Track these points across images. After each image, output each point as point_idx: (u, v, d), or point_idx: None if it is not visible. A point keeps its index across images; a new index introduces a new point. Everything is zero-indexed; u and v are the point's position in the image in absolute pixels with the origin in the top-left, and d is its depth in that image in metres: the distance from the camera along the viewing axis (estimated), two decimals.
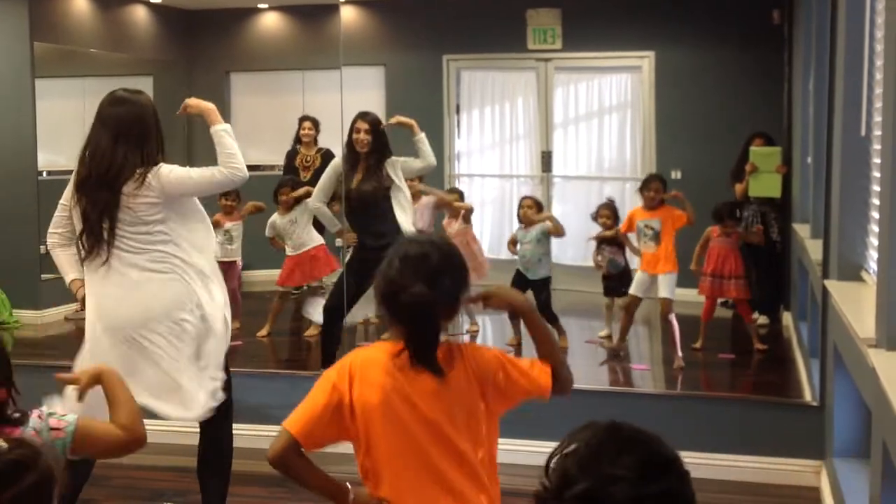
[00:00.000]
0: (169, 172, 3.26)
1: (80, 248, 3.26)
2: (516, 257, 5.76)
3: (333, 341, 5.20)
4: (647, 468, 1.20)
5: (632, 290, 5.42)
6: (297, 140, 6.60)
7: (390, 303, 2.04)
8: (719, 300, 5.60)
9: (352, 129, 5.07)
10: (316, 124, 6.55)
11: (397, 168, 5.01)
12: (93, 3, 6.44)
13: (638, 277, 5.43)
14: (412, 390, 2.03)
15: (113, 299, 3.24)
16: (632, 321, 5.49)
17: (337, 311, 5.14)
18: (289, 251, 6.12)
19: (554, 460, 1.24)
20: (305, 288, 6.28)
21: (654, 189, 5.37)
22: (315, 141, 6.58)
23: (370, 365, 2.07)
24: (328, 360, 5.18)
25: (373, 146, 5.01)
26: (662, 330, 5.42)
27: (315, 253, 6.05)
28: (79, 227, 3.26)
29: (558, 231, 5.65)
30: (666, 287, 5.32)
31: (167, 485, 4.23)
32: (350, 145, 5.09)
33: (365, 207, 5.02)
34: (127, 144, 3.22)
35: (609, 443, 1.22)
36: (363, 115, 5.11)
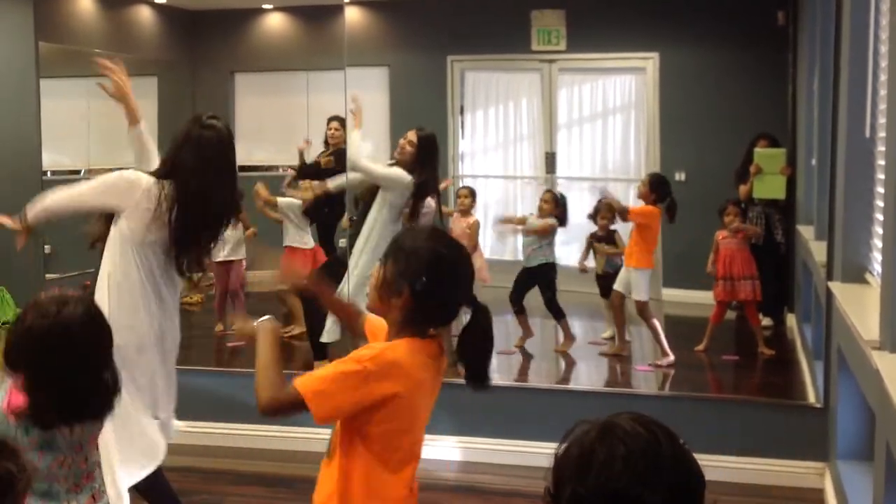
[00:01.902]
0: None
1: (173, 264, 3.25)
2: (520, 258, 5.77)
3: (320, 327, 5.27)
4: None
5: (615, 286, 5.48)
6: (326, 142, 6.48)
7: (447, 317, 2.07)
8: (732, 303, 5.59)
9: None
10: (344, 123, 6.21)
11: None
12: (97, 4, 6.44)
13: (620, 273, 5.52)
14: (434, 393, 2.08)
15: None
16: (624, 318, 5.51)
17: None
18: (287, 241, 6.11)
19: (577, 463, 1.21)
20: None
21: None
22: (345, 142, 6.39)
23: (412, 362, 1.99)
24: (317, 348, 5.21)
25: None
26: (665, 331, 5.41)
27: (312, 254, 6.06)
28: (162, 235, 3.19)
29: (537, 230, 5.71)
30: (635, 285, 5.35)
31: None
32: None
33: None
34: (231, 190, 3.32)
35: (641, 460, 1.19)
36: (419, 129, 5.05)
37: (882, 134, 3.23)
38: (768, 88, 5.99)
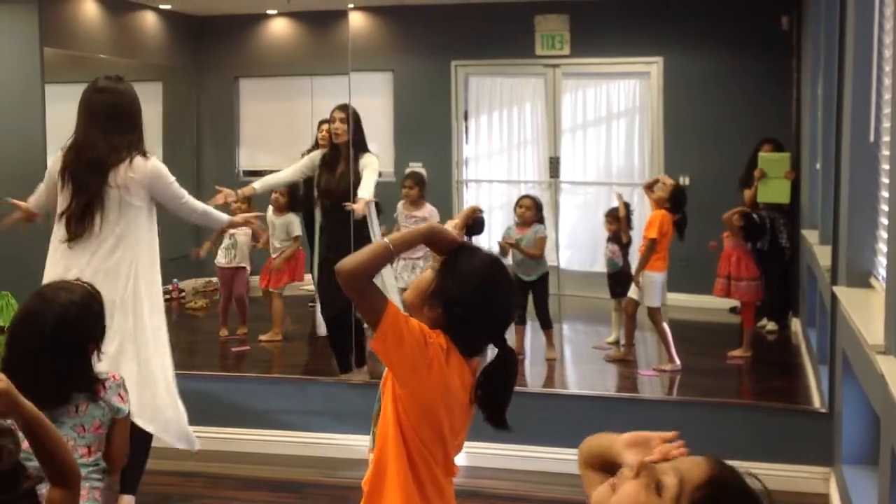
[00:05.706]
0: (157, 163, 3.56)
1: (67, 229, 3.50)
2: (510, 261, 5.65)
3: (346, 346, 5.17)
4: None
5: (629, 293, 5.45)
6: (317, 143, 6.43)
7: (471, 351, 2.05)
8: (731, 306, 5.58)
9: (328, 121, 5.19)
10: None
11: (366, 168, 4.96)
12: (103, 9, 6.46)
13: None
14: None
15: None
16: (634, 325, 5.49)
17: (341, 318, 5.12)
18: (274, 249, 6.09)
19: None
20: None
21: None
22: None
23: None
24: (344, 363, 5.16)
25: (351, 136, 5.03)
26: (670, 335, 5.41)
27: (299, 255, 6.08)
28: (63, 206, 3.51)
29: (535, 253, 5.56)
30: (647, 290, 5.33)
31: (173, 489, 4.23)
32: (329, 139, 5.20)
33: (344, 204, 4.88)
34: (112, 133, 3.50)
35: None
36: (341, 107, 5.10)
37: (886, 138, 3.23)
38: (772, 93, 5.99)
